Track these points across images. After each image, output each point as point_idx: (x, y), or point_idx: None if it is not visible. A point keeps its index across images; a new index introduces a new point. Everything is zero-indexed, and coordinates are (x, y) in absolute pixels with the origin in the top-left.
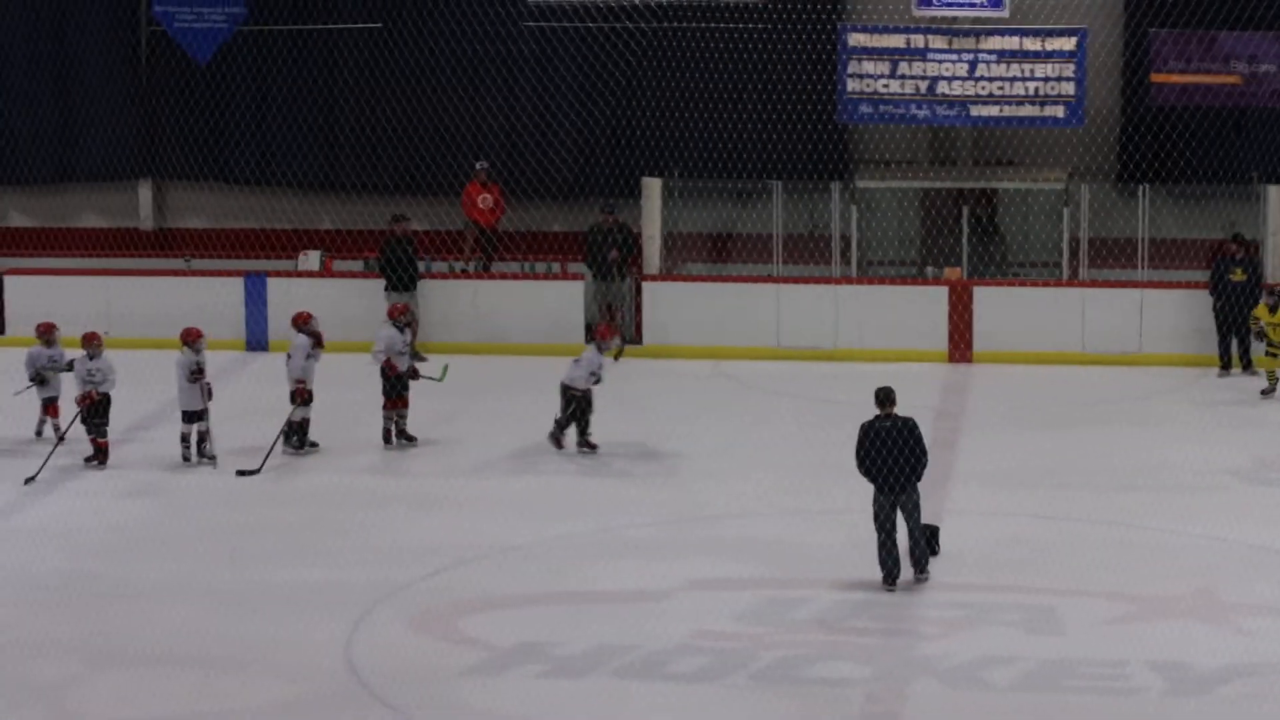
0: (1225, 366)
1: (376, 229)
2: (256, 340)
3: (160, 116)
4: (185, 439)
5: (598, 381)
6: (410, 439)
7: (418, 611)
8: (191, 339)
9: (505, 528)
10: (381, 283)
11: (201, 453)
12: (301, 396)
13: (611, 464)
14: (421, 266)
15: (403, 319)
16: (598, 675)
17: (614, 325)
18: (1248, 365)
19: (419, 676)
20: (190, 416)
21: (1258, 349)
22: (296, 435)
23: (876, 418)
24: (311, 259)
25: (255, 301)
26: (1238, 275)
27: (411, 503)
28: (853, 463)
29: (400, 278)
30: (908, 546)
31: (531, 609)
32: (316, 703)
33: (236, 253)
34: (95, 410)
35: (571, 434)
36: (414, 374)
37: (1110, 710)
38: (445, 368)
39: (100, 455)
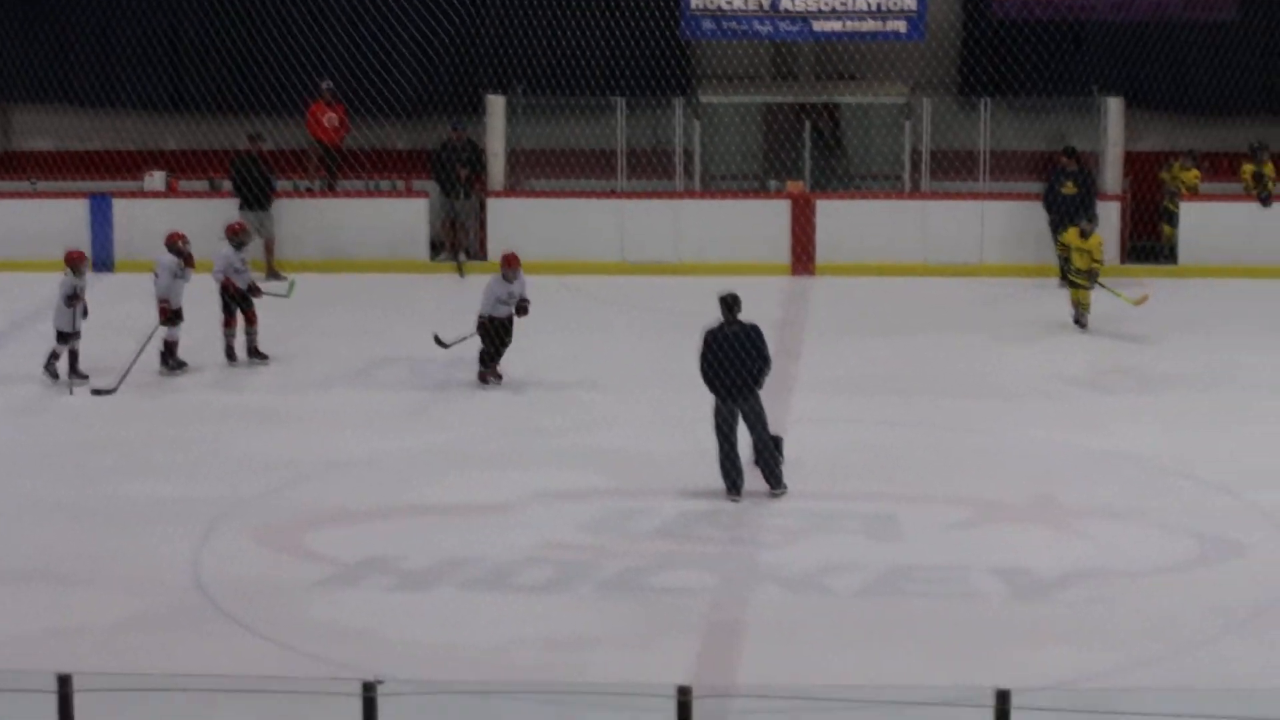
0: (1063, 277)
1: (221, 149)
2: (102, 261)
3: (2, 38)
4: (55, 357)
5: (521, 312)
6: (262, 356)
7: (263, 526)
8: (74, 262)
9: (349, 442)
10: (236, 201)
11: (75, 372)
12: (163, 315)
13: (455, 376)
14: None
15: (239, 237)
16: (444, 587)
17: (473, 248)
18: None
19: (265, 591)
20: (64, 337)
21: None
22: (170, 356)
23: (721, 324)
24: (156, 179)
25: (100, 223)
26: (1069, 188)
27: (256, 418)
28: (694, 373)
29: (251, 196)
30: (752, 458)
31: (376, 523)
32: (164, 617)
33: (81, 174)
34: None
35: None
36: (255, 290)
37: (952, 614)
38: (292, 283)
39: None
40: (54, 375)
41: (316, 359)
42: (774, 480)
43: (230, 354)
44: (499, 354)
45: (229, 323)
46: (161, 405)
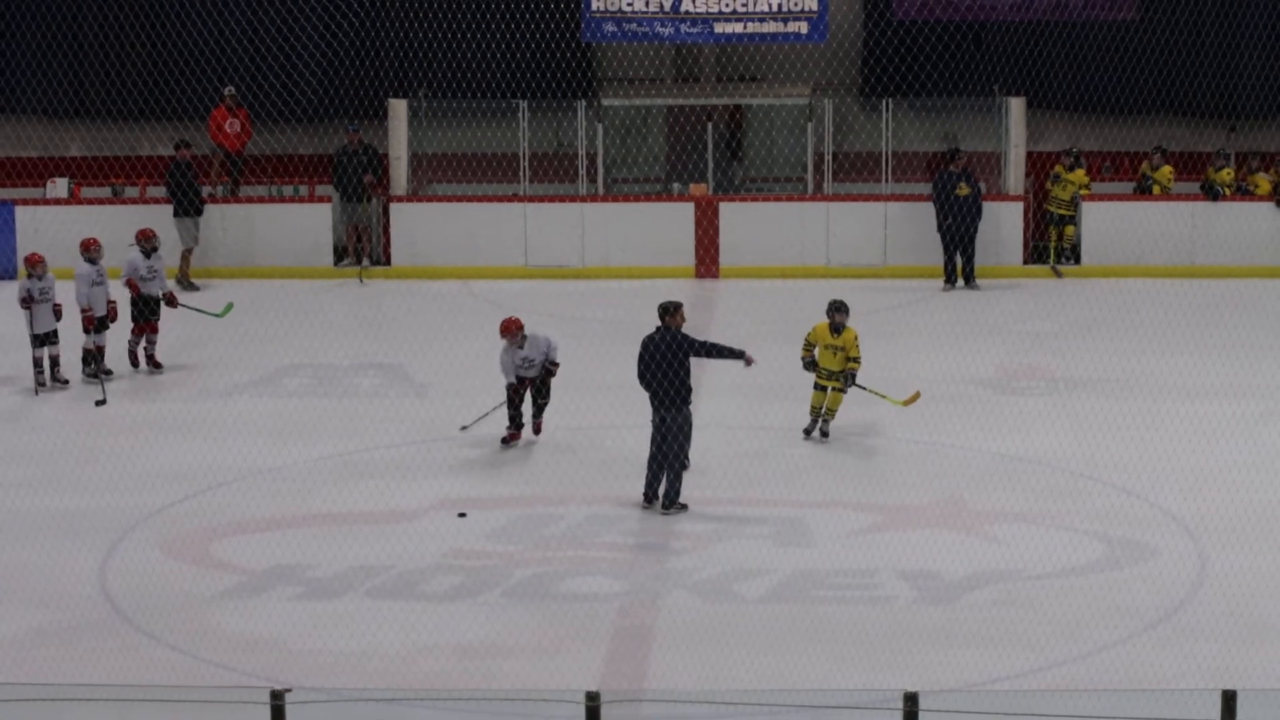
0: (949, 280)
1: (124, 155)
2: (5, 269)
3: None
4: (38, 363)
5: (547, 372)
6: (157, 366)
7: (170, 536)
8: (31, 264)
9: (256, 451)
10: (163, 207)
11: (54, 377)
12: (88, 324)
13: (361, 384)
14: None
15: (149, 243)
16: (352, 596)
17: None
18: (970, 280)
19: (173, 601)
20: (39, 340)
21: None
22: (94, 362)
23: (655, 329)
24: (59, 186)
25: (3, 230)
26: (963, 190)
27: (162, 427)
28: (602, 379)
29: (187, 202)
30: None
31: (284, 531)
32: (72, 630)
33: None
34: None
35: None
36: (171, 301)
37: (860, 618)
38: (228, 306)
39: None
40: (41, 383)
41: (222, 367)
42: (666, 500)
43: (134, 360)
44: (528, 412)
45: (137, 329)
46: (70, 415)
